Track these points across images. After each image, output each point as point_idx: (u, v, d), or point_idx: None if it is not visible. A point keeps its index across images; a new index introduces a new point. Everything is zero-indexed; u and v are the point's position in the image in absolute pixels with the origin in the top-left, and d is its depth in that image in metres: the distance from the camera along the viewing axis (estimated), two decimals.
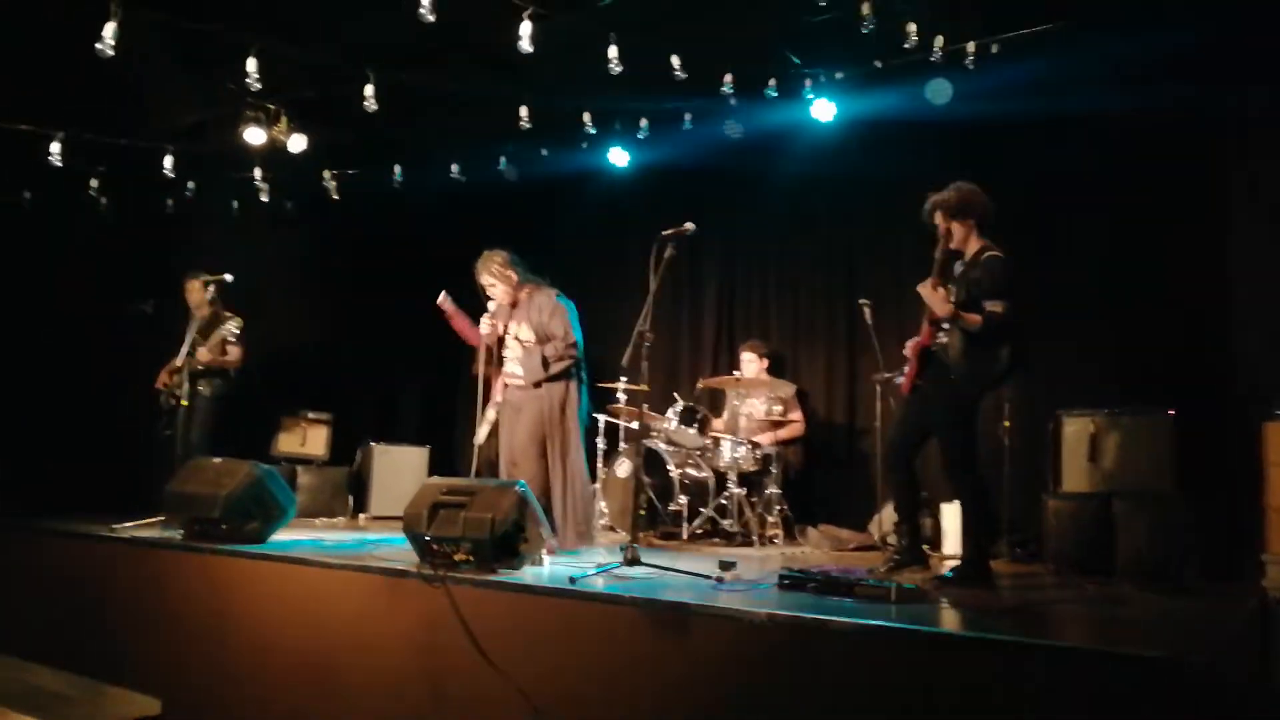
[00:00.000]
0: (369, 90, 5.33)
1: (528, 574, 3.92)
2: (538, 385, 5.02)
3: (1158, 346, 5.51)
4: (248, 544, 4.73)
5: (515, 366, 5.10)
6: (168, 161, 6.38)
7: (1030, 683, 2.58)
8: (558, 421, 4.99)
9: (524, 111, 6.00)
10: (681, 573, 3.91)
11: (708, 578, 3.82)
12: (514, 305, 5.20)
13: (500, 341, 5.17)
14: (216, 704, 4.31)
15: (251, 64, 4.87)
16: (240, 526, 4.79)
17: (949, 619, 3.19)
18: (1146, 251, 5.63)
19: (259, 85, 5.00)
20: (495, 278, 5.12)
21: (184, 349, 6.25)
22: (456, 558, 3.87)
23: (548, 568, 4.17)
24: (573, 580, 3.58)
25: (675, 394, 6.77)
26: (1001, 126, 5.93)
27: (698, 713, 3.06)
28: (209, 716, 4.32)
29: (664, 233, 4.28)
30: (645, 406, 6.83)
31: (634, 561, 3.93)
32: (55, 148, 5.87)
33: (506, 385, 5.16)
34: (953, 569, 4.13)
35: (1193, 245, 5.49)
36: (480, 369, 5.11)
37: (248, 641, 4.29)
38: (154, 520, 5.29)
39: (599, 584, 3.62)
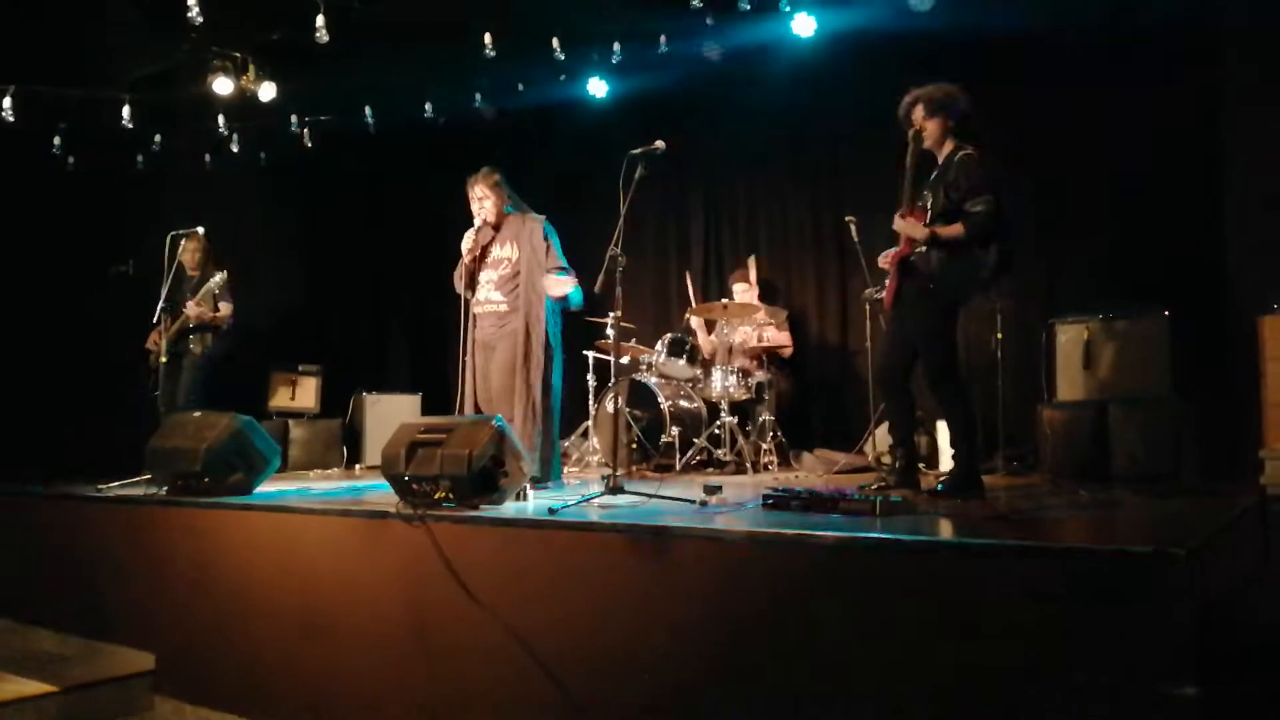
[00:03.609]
0: (320, 21, 5.13)
1: (510, 508, 3.86)
2: (501, 295, 4.97)
3: (1150, 246, 5.38)
4: (234, 496, 4.68)
5: (492, 291, 5.00)
6: (125, 112, 6.21)
7: (1016, 587, 2.50)
8: (530, 355, 4.89)
9: (488, 39, 5.80)
10: (665, 499, 3.84)
11: (692, 502, 3.75)
12: (496, 228, 5.11)
13: (478, 262, 5.06)
14: (209, 655, 4.29)
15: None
16: (223, 479, 4.73)
17: (933, 529, 3.11)
18: (1136, 150, 5.48)
19: (200, 19, 4.80)
20: (489, 190, 5.06)
21: (159, 305, 6.14)
22: (437, 496, 3.80)
23: (532, 501, 4.11)
24: (553, 511, 3.52)
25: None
26: (987, 33, 5.75)
27: (684, 634, 3.00)
28: (202, 668, 4.31)
29: (633, 151, 4.15)
30: (634, 340, 6.80)
31: (617, 490, 3.87)
32: (6, 103, 5.71)
33: (476, 319, 5.03)
34: (942, 481, 4.05)
35: (1182, 141, 5.33)
36: (461, 289, 5.05)
37: (235, 591, 4.25)
38: (140, 478, 5.24)
39: (581, 514, 3.55)
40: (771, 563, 2.90)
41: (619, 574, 3.19)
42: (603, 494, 3.87)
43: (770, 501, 3.54)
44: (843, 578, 2.77)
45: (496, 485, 3.84)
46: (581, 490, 4.61)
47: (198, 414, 5.10)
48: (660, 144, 4.14)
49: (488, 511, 3.72)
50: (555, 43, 6.15)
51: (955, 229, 3.89)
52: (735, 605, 2.93)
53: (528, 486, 4.21)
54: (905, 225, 4.04)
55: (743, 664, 2.87)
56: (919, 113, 4.13)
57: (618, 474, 3.99)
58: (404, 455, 3.90)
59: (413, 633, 3.65)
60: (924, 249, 3.98)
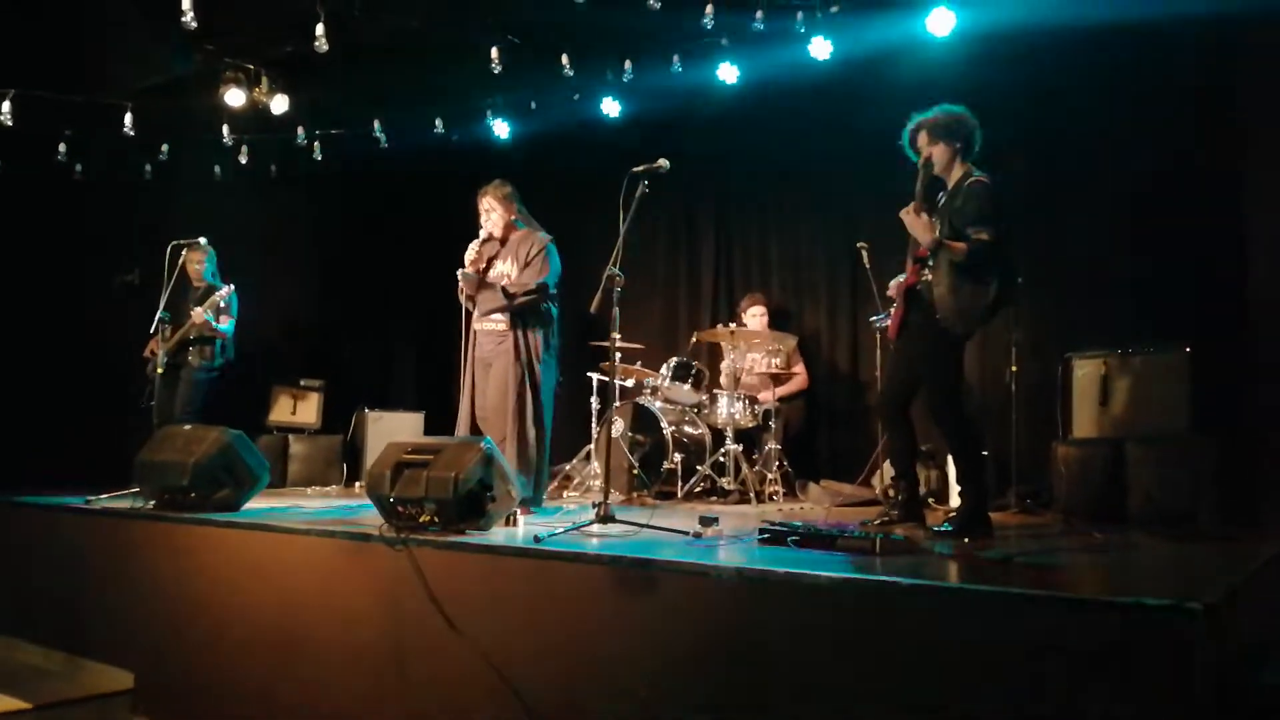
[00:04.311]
0: (319, 30, 5.06)
1: (498, 534, 3.72)
2: (498, 313, 4.87)
3: (1171, 281, 5.20)
4: (221, 512, 4.56)
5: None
6: (128, 120, 6.16)
7: (1022, 636, 2.34)
8: (525, 375, 4.77)
9: (494, 53, 5.71)
10: (658, 529, 3.69)
11: (685, 534, 3.60)
12: (503, 242, 5.01)
13: (482, 275, 4.95)
14: (188, 676, 4.17)
15: (186, 2, 4.62)
16: (210, 495, 4.62)
17: (934, 570, 2.95)
18: (1158, 182, 5.32)
19: (194, 25, 4.74)
20: (497, 203, 4.98)
21: (158, 315, 6.05)
22: (422, 519, 3.67)
23: (521, 526, 3.97)
24: (538, 539, 3.38)
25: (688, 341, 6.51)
26: (1002, 54, 5.63)
27: (668, 670, 2.85)
28: (181, 689, 4.18)
29: (635, 169, 4.03)
30: (640, 363, 6.67)
31: (607, 519, 3.72)
32: (5, 106, 5.65)
33: (476, 336, 4.92)
34: (949, 520, 3.88)
35: (1206, 174, 5.17)
36: (464, 299, 4.96)
37: (217, 611, 4.13)
38: (129, 491, 5.13)
39: (567, 543, 3.41)
40: (762, 601, 2.75)
41: (603, 607, 3.05)
42: (592, 522, 3.73)
43: (766, 536, 3.38)
44: (836, 620, 2.61)
45: (483, 510, 3.70)
46: (576, 516, 4.48)
47: (188, 427, 5.02)
48: (664, 162, 4.03)
49: (473, 537, 3.59)
50: (565, 60, 6.04)
51: (959, 245, 3.77)
52: (723, 643, 2.79)
53: (518, 511, 4.07)
54: (914, 221, 3.86)
55: (728, 703, 2.71)
56: (923, 140, 4.03)
57: (609, 502, 3.85)
58: (389, 476, 3.78)
59: (392, 659, 3.52)
60: (929, 278, 3.85)
